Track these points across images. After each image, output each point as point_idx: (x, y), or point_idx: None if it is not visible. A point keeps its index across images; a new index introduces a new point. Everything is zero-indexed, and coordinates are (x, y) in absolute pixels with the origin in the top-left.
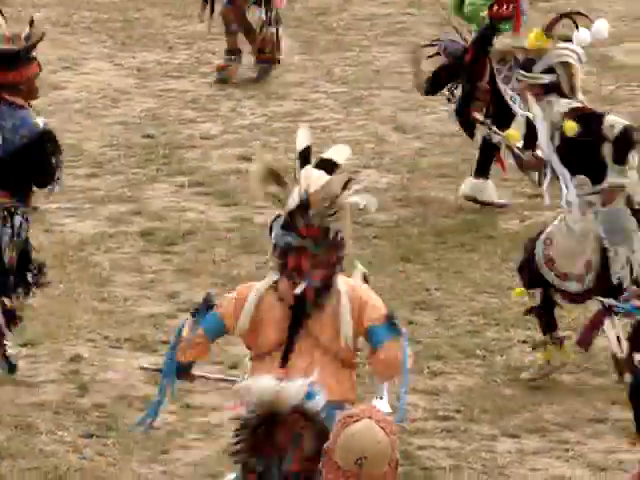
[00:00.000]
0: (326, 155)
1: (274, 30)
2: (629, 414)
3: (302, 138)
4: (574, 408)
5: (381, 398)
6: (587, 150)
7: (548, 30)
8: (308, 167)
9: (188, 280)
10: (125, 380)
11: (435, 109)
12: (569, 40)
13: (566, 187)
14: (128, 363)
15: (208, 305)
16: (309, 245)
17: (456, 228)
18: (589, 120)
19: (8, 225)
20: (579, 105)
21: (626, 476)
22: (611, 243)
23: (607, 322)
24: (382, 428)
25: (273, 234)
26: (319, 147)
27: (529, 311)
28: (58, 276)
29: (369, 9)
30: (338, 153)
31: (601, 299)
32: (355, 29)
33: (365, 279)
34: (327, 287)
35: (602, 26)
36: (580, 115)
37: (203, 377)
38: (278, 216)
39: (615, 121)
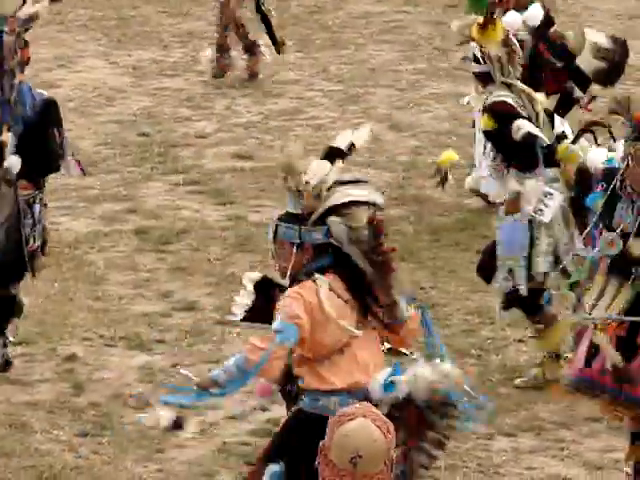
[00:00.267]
0: (334, 143)
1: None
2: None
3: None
4: (570, 407)
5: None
6: (502, 148)
7: (485, 24)
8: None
9: (183, 279)
10: (120, 379)
11: (431, 107)
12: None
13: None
14: (123, 362)
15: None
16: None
17: (451, 227)
18: (503, 119)
19: (29, 216)
20: (500, 100)
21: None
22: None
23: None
24: (378, 427)
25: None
26: (314, 145)
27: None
28: (53, 275)
29: (364, 7)
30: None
31: (572, 316)
32: (350, 27)
33: None
34: None
35: (536, 11)
36: (496, 112)
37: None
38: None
39: (521, 125)
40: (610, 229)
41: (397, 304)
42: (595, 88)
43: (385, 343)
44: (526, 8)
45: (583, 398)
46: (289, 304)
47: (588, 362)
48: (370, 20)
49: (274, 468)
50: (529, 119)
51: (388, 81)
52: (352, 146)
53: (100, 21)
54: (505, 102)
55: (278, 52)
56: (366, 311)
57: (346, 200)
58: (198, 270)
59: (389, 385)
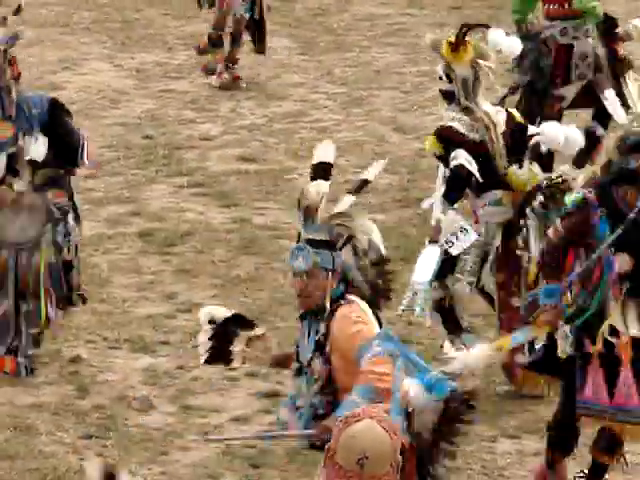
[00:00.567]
0: (316, 160)
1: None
2: None
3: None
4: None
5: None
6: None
7: (456, 45)
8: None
9: (187, 281)
10: (124, 381)
11: (435, 110)
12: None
13: None
14: (127, 364)
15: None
16: None
17: None
18: (447, 145)
19: (62, 224)
20: (447, 125)
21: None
22: None
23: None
24: (384, 428)
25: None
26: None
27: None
28: None
29: (369, 9)
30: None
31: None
32: (355, 30)
33: None
34: None
35: (515, 44)
36: (442, 137)
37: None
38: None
39: (457, 156)
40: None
41: None
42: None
43: None
44: (575, 18)
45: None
46: (367, 329)
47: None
48: (374, 23)
49: None
50: (479, 146)
51: (392, 83)
52: (365, 182)
53: (104, 24)
54: (451, 128)
55: (259, 52)
56: None
57: (367, 237)
58: (202, 272)
59: (434, 384)
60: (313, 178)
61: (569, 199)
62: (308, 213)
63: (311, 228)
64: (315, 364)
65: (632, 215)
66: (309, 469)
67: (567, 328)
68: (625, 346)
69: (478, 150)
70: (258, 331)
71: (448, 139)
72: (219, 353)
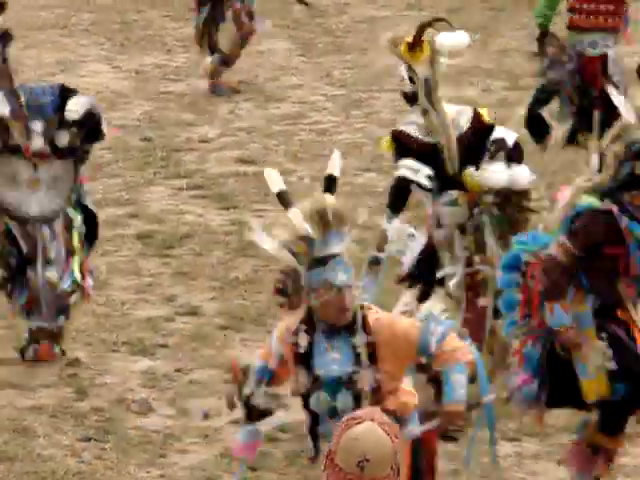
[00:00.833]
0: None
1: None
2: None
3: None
4: (573, 412)
5: None
6: None
7: (413, 45)
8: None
9: (186, 283)
10: (123, 384)
11: None
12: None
13: None
14: (126, 366)
15: None
16: None
17: None
18: (398, 148)
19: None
20: (400, 129)
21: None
22: None
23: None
24: (385, 431)
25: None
26: (318, 150)
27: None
28: None
29: (368, 12)
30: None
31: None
32: (354, 32)
33: None
34: None
35: (463, 38)
36: (395, 139)
37: None
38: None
39: (401, 165)
40: None
41: None
42: None
43: None
44: (604, 30)
45: None
46: (405, 321)
47: None
48: (373, 25)
49: None
50: (433, 148)
51: (392, 85)
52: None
53: (103, 25)
54: (402, 132)
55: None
56: None
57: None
58: (201, 275)
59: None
60: (326, 190)
61: (581, 204)
62: (329, 227)
63: (334, 242)
64: (363, 375)
65: None
66: (308, 472)
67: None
68: None
69: (432, 153)
70: None
71: (400, 142)
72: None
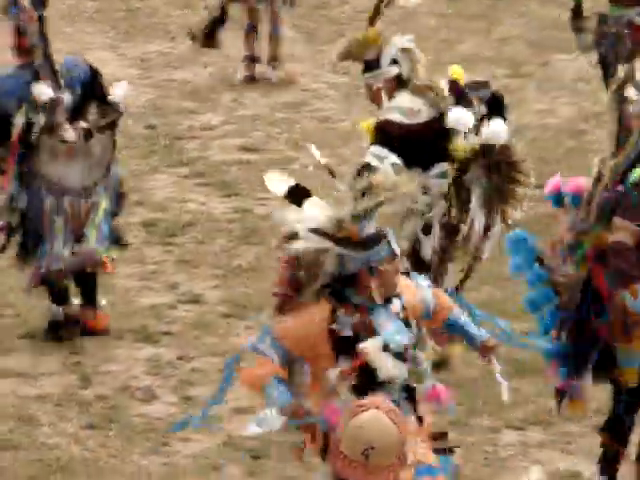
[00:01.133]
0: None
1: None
2: None
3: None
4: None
5: None
6: None
7: (371, 24)
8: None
9: (189, 271)
10: (127, 371)
11: None
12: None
13: None
14: (130, 354)
15: None
16: None
17: None
18: (385, 137)
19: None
20: (384, 118)
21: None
22: None
23: None
24: (391, 420)
25: None
26: (320, 137)
27: None
28: None
29: (369, 2)
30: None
31: None
32: (357, 21)
33: None
34: None
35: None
36: (381, 129)
37: None
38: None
39: (372, 152)
40: None
41: None
42: None
43: None
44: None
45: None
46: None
47: None
48: None
49: None
50: (422, 127)
51: None
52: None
53: (108, 13)
54: (388, 121)
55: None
56: None
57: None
58: (204, 262)
59: None
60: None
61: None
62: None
63: (372, 221)
64: (423, 334)
65: None
66: (310, 460)
67: None
68: None
69: (420, 132)
70: None
71: (384, 131)
72: None
